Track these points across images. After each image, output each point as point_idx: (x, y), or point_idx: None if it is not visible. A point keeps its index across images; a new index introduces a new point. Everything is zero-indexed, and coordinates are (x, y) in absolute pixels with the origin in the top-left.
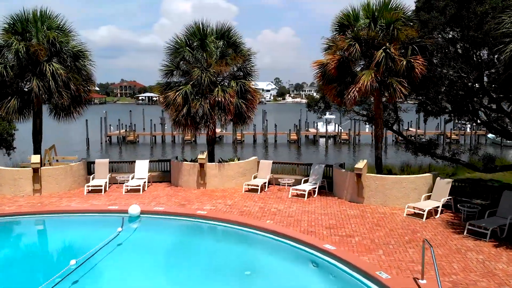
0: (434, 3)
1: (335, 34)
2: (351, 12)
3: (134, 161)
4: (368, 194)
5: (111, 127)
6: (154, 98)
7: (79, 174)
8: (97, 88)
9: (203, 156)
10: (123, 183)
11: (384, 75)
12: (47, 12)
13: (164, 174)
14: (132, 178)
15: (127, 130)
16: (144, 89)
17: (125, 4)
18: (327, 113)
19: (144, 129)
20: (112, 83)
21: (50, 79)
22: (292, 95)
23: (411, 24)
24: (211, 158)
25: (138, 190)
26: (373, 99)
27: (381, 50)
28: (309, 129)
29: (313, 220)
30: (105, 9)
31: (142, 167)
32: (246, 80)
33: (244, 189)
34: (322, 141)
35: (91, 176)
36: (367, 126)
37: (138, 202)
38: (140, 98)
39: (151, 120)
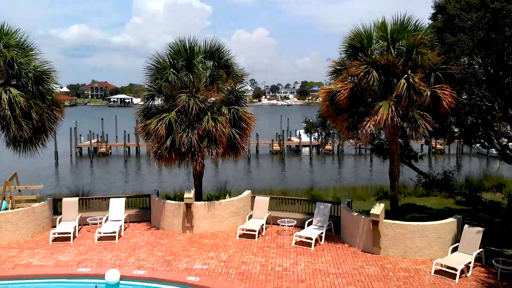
0: (459, 23)
1: (344, 56)
2: (363, 33)
3: (108, 198)
4: (386, 243)
5: (82, 138)
6: (127, 100)
7: (43, 216)
8: (67, 90)
9: (189, 195)
10: (95, 224)
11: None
12: (4, 28)
13: (143, 212)
14: (106, 221)
15: (99, 140)
16: (116, 91)
17: (96, 2)
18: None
19: (117, 136)
20: (83, 84)
21: (6, 107)
22: (268, 96)
23: (432, 47)
24: (199, 195)
25: (113, 238)
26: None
27: (403, 80)
28: (292, 138)
29: (330, 287)
30: (75, 7)
31: (117, 207)
32: (239, 106)
33: (238, 234)
34: (305, 150)
35: (58, 218)
36: None
37: (114, 258)
38: (112, 100)
39: (124, 131)
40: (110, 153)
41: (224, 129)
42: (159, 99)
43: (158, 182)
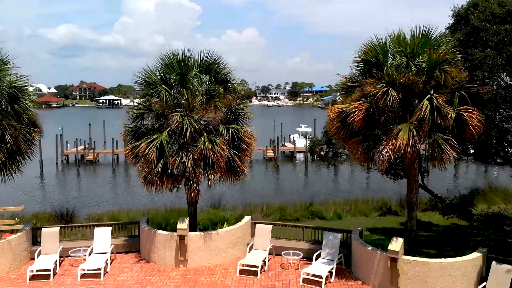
0: (484, 36)
1: (356, 72)
2: (378, 46)
3: (94, 225)
4: (405, 282)
5: (68, 145)
6: (116, 101)
7: (20, 249)
8: (54, 91)
9: (183, 225)
10: (78, 257)
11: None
12: None
13: (132, 242)
14: (90, 253)
15: (86, 147)
16: (104, 91)
17: (85, 1)
18: (303, 125)
19: (105, 142)
20: (71, 85)
21: None
22: (258, 97)
23: (455, 63)
24: (193, 223)
25: (98, 275)
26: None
27: (426, 102)
28: (285, 143)
29: None
30: (64, 6)
31: (103, 237)
32: (239, 125)
33: (238, 270)
34: (299, 156)
35: (37, 251)
36: None
37: None
38: (100, 101)
39: (112, 138)
40: (98, 160)
41: (222, 152)
42: (149, 117)
43: (149, 194)
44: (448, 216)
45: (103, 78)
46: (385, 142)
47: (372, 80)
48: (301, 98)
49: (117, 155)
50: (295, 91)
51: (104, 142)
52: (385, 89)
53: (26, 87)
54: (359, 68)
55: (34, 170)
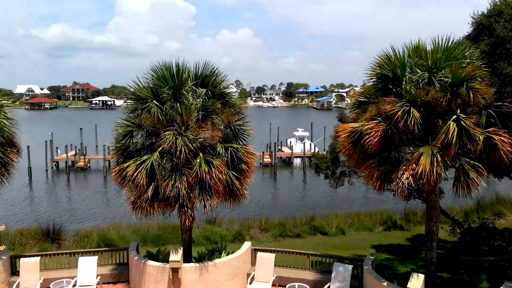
0: None
1: (370, 86)
2: (395, 58)
3: (78, 252)
4: None
5: (58, 150)
6: (109, 102)
7: None
8: (47, 92)
9: (176, 256)
10: None
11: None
12: None
13: (120, 270)
14: (74, 286)
15: (77, 153)
16: (98, 92)
17: (78, 1)
18: (300, 129)
19: (97, 146)
20: (64, 85)
21: None
22: (253, 98)
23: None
24: (188, 253)
25: None
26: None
27: (452, 123)
28: (283, 148)
29: None
30: (57, 6)
31: (88, 268)
32: (238, 144)
33: None
34: (296, 161)
35: (16, 283)
36: None
37: None
38: (93, 102)
39: (104, 144)
40: (89, 167)
41: (220, 175)
42: (139, 135)
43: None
44: (470, 245)
45: (97, 79)
46: (405, 167)
47: (390, 98)
48: (296, 99)
49: (109, 161)
50: (290, 92)
51: (96, 146)
52: (406, 108)
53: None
54: (373, 82)
55: (23, 178)
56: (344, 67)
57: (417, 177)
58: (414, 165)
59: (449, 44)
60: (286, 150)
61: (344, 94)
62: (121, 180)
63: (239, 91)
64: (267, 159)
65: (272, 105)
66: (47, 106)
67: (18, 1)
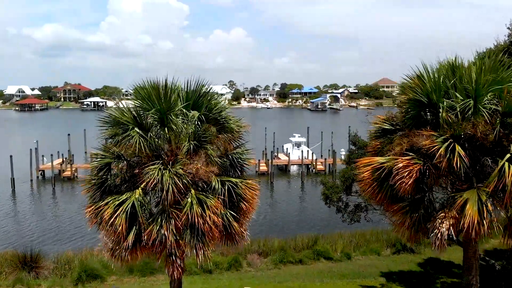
0: None
1: (397, 113)
2: (428, 79)
3: None
4: None
5: (44, 158)
6: (101, 103)
7: None
8: (38, 93)
9: None
10: None
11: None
12: None
13: None
14: None
15: (64, 161)
16: (89, 93)
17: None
18: (296, 135)
19: (86, 152)
20: (55, 86)
21: None
22: (247, 99)
23: None
24: None
25: None
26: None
27: (507, 164)
28: (279, 155)
29: None
30: (49, 6)
31: None
32: (238, 177)
33: None
34: (293, 169)
35: None
36: (343, 152)
37: None
38: (85, 103)
39: (92, 153)
40: (76, 177)
41: (215, 218)
42: (119, 166)
43: None
44: None
45: (89, 79)
46: (443, 214)
47: (426, 130)
48: (290, 100)
49: None
50: (284, 93)
51: (85, 153)
52: (449, 145)
53: None
54: (403, 108)
55: (5, 189)
56: (338, 68)
57: (461, 227)
58: (455, 212)
59: (493, 63)
60: (282, 157)
61: (338, 95)
62: (97, 221)
63: (232, 91)
64: (263, 167)
65: (266, 106)
66: (37, 107)
67: (10, 0)
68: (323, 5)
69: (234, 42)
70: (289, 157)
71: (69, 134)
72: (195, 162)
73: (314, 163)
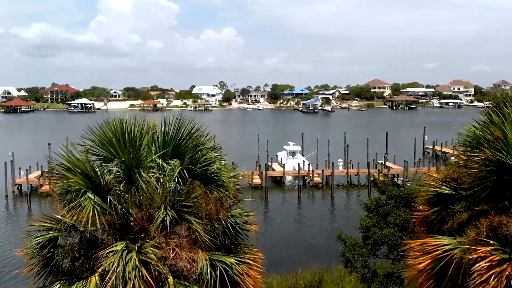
0: None
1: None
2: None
3: None
4: None
5: (21, 171)
6: (88, 105)
7: None
8: (25, 94)
9: None
10: None
11: None
12: None
13: None
14: None
15: (43, 173)
16: (77, 94)
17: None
18: (291, 143)
19: None
20: (42, 87)
21: None
22: (238, 100)
23: None
24: None
25: None
26: None
27: None
28: (273, 165)
29: None
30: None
31: None
32: (234, 256)
33: None
34: (288, 180)
35: None
36: (340, 163)
37: None
38: (72, 104)
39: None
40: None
41: None
42: (67, 241)
43: None
44: None
45: (77, 80)
46: None
47: None
48: (281, 101)
49: None
50: (275, 94)
51: None
52: None
53: None
54: (471, 168)
55: None
56: (328, 68)
57: None
58: None
59: None
60: (276, 167)
61: (330, 97)
62: None
63: (223, 92)
64: (256, 180)
65: (257, 108)
66: (23, 109)
67: None
68: (313, 5)
69: (224, 42)
70: (284, 168)
71: (49, 144)
72: (174, 241)
73: (311, 175)
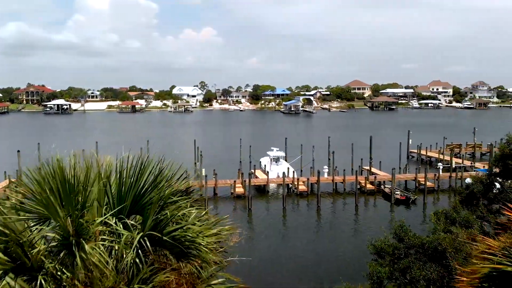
0: None
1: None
2: None
3: None
4: None
5: None
6: (65, 106)
7: None
8: None
9: None
10: None
11: None
12: None
13: None
14: None
15: (11, 183)
16: (53, 95)
17: None
18: (274, 148)
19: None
20: (18, 88)
21: None
22: (219, 101)
23: None
24: None
25: None
26: None
27: None
28: (256, 172)
29: None
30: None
31: None
32: None
33: None
34: (272, 187)
35: None
36: (326, 170)
37: None
38: (48, 106)
39: None
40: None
41: None
42: None
43: None
44: None
45: (54, 80)
46: None
47: None
48: (263, 102)
49: None
50: (256, 94)
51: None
52: None
53: None
54: None
55: None
56: (309, 68)
57: None
58: None
59: None
60: (260, 174)
61: (312, 98)
62: None
63: (204, 93)
64: (239, 189)
65: (238, 108)
66: None
67: None
68: (292, 5)
69: (204, 42)
70: (267, 175)
71: (18, 151)
72: None
73: (296, 183)
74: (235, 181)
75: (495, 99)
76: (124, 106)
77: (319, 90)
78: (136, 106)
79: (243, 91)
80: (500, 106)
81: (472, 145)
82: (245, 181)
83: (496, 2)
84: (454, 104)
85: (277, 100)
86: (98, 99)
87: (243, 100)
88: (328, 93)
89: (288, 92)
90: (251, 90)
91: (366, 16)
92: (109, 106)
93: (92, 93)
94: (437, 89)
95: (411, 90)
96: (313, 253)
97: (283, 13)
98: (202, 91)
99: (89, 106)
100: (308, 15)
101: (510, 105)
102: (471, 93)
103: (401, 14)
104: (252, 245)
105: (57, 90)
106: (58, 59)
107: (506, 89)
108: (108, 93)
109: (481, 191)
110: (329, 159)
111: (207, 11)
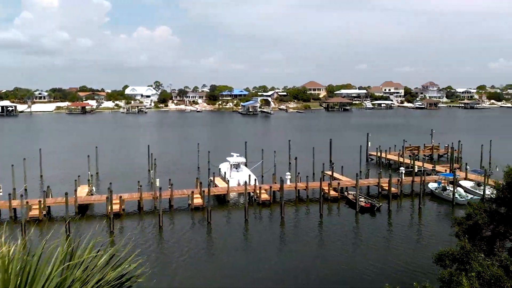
0: None
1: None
2: None
3: None
4: None
5: None
6: (10, 108)
7: None
8: None
9: None
10: None
11: None
12: None
13: None
14: None
15: None
16: None
17: None
18: (234, 154)
19: None
20: None
21: None
22: (175, 101)
23: None
24: None
25: None
26: None
27: None
28: (215, 179)
29: None
30: None
31: None
32: None
33: None
34: (233, 197)
35: None
36: (288, 176)
37: None
38: None
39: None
40: None
41: None
42: None
43: None
44: None
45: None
46: None
47: None
48: (220, 102)
49: (15, 209)
50: (214, 95)
51: None
52: None
53: None
54: None
55: None
56: (265, 68)
57: None
58: None
59: None
60: (219, 183)
61: (269, 99)
62: None
63: (159, 93)
64: (197, 200)
65: (195, 109)
66: None
67: None
68: (248, 5)
69: (159, 41)
70: (228, 183)
71: None
72: None
73: (258, 191)
74: (192, 192)
75: (445, 99)
76: (73, 107)
77: (276, 90)
78: (87, 107)
79: (200, 91)
80: (450, 106)
81: (430, 146)
82: (203, 191)
83: (446, 7)
84: (406, 104)
85: (235, 101)
86: (46, 100)
87: (200, 101)
88: (285, 93)
89: (245, 92)
90: (208, 91)
91: (321, 17)
92: (58, 108)
93: (39, 94)
94: (389, 89)
95: (365, 91)
96: (279, 269)
97: (237, 13)
98: (157, 91)
99: (37, 107)
100: (262, 15)
101: (459, 105)
102: (421, 93)
103: (354, 16)
104: (212, 264)
105: (2, 91)
106: (3, 59)
107: (455, 90)
108: (57, 94)
109: (486, 222)
110: (290, 163)
111: (161, 9)
